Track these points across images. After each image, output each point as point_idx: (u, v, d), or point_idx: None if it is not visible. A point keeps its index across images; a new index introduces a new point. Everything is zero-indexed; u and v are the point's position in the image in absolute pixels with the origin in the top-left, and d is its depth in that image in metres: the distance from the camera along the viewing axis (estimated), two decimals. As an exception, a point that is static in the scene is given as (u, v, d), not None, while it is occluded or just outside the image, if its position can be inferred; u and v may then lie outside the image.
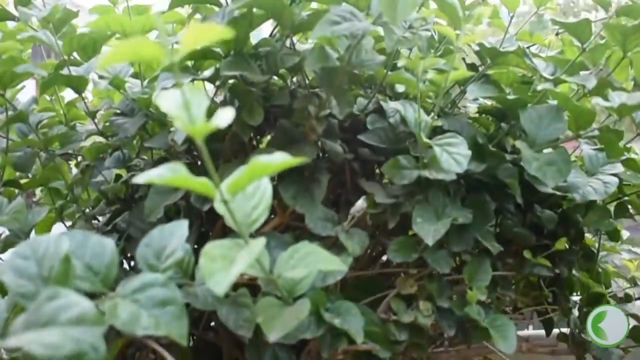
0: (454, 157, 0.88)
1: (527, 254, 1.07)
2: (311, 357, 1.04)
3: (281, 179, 0.98)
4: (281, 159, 0.58)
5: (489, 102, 1.24)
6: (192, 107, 0.54)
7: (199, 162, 1.09)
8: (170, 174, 0.58)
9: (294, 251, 0.74)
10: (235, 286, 0.88)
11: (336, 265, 0.72)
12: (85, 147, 1.22)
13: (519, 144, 0.96)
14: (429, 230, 0.90)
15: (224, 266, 0.61)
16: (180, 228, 0.77)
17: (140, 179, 0.59)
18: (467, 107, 1.24)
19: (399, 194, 0.98)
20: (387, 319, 0.96)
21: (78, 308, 0.52)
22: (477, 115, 1.23)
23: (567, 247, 1.21)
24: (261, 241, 0.64)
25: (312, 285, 0.82)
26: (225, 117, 0.49)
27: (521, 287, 1.36)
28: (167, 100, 0.55)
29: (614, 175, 1.07)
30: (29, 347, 0.49)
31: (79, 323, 0.51)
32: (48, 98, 1.34)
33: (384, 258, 1.18)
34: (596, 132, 1.00)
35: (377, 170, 1.14)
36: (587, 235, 1.35)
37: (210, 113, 0.54)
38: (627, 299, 1.36)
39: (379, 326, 0.93)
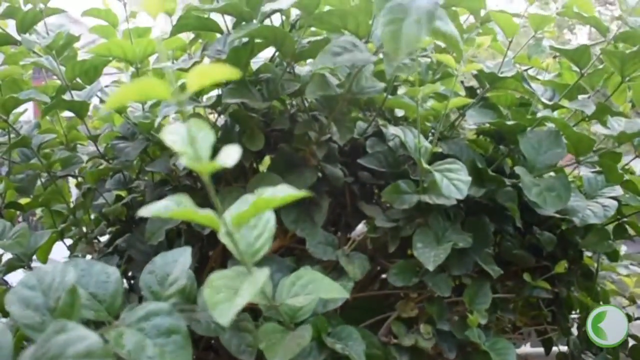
0: (454, 183, 0.88)
1: (526, 276, 1.08)
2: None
3: (281, 203, 0.98)
4: (285, 193, 0.59)
5: (487, 124, 1.25)
6: (197, 143, 0.55)
7: (199, 185, 1.10)
8: (176, 207, 0.59)
9: (296, 278, 0.75)
10: (237, 311, 0.89)
11: (338, 293, 0.73)
12: (86, 169, 1.23)
13: (518, 169, 0.97)
14: (429, 255, 0.91)
15: (228, 297, 0.62)
16: (183, 255, 0.78)
17: (145, 211, 0.60)
18: (465, 129, 1.25)
19: (399, 217, 0.99)
20: (387, 342, 0.97)
21: (86, 342, 0.52)
22: (475, 136, 1.24)
23: (566, 267, 1.22)
24: (265, 272, 0.65)
25: (314, 310, 0.83)
26: (230, 156, 0.50)
27: (520, 307, 1.36)
28: (173, 136, 0.55)
29: (613, 198, 1.08)
30: (37, 381, 0.49)
31: (86, 357, 0.51)
32: (49, 118, 1.35)
33: (383, 275, 1.18)
34: (595, 158, 1.01)
35: (377, 190, 1.15)
36: (586, 254, 1.36)
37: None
38: (627, 319, 1.36)
39: (380, 349, 0.94)
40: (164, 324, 0.66)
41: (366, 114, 1.17)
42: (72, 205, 1.21)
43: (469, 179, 0.89)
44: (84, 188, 1.16)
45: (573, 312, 1.39)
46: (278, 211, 0.98)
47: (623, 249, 1.55)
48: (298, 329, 0.79)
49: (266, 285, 0.75)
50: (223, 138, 1.03)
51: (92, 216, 1.28)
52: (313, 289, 0.73)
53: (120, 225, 1.20)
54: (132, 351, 0.63)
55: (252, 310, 0.88)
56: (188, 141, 0.55)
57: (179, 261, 0.78)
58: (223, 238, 0.66)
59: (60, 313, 0.62)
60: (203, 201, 0.65)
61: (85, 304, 0.69)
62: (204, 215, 0.59)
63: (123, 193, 1.24)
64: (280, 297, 0.74)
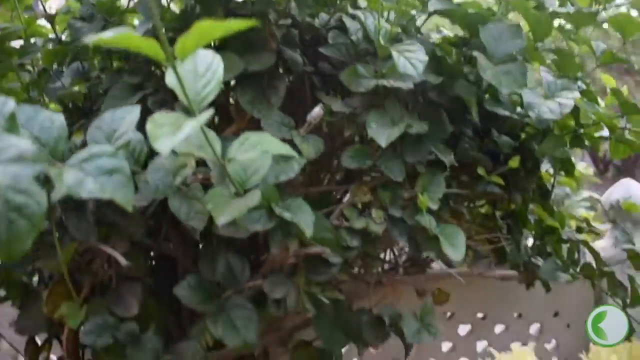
0: (411, 61, 0.88)
1: (480, 170, 1.08)
2: (265, 269, 1.04)
3: (239, 84, 0.98)
4: (228, 22, 0.58)
5: (452, 34, 1.25)
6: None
7: (158, 72, 1.09)
8: (119, 33, 0.58)
9: (245, 139, 0.75)
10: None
11: (286, 151, 0.73)
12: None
13: (476, 53, 0.97)
14: (383, 133, 0.91)
15: (171, 131, 0.61)
16: (132, 112, 0.77)
17: (88, 38, 0.58)
18: (432, 38, 1.24)
19: (357, 105, 0.99)
20: (339, 226, 0.97)
21: (17, 148, 0.52)
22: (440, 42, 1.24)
23: (523, 176, 1.23)
24: (209, 112, 0.64)
25: (265, 180, 0.82)
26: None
27: (476, 218, 1.38)
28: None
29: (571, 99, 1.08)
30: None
31: (18, 161, 0.51)
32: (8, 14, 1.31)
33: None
34: (552, 46, 1.01)
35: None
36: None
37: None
38: (579, 230, 1.39)
39: (331, 232, 0.94)
40: (106, 164, 0.65)
41: (330, 10, 1.15)
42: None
43: (426, 58, 0.89)
44: (39, 68, 1.14)
45: (530, 233, 1.41)
46: (235, 92, 0.99)
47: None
48: (247, 194, 0.79)
49: (216, 143, 0.75)
50: (183, 19, 1.02)
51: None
52: (262, 147, 0.73)
53: (78, 115, 1.18)
54: (71, 186, 0.62)
55: (203, 186, 0.88)
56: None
57: (126, 118, 0.77)
58: (169, 79, 0.66)
59: (-2, 138, 0.61)
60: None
61: (28, 146, 0.68)
62: (146, 43, 0.58)
63: (82, 88, 1.21)
64: (229, 153, 0.74)
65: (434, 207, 0.97)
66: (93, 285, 1.06)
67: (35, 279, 1.14)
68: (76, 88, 1.20)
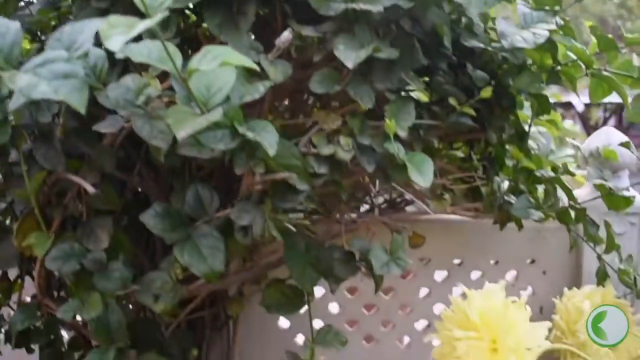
0: (378, -20, 0.87)
1: (452, 100, 1.07)
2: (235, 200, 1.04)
3: (208, 8, 0.96)
4: None
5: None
6: None
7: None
8: None
9: (207, 51, 0.73)
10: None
11: (248, 64, 0.71)
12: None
13: (447, -26, 0.96)
14: (350, 54, 0.89)
15: (124, 31, 0.60)
16: (91, 24, 0.75)
17: None
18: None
19: (327, 30, 0.97)
20: (307, 153, 0.96)
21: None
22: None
23: (498, 114, 1.23)
24: (164, 13, 0.63)
25: (229, 100, 0.81)
26: None
27: (455, 163, 1.38)
28: None
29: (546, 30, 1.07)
30: None
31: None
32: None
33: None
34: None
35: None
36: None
37: None
38: (554, 170, 1.38)
39: (298, 158, 0.93)
40: (61, 69, 0.64)
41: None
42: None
43: (394, -23, 0.88)
44: (7, -7, 1.12)
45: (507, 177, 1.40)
46: (203, 15, 0.97)
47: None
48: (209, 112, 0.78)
49: (177, 57, 0.73)
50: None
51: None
52: (225, 59, 0.71)
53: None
54: (24, 88, 0.61)
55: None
56: None
57: (86, 30, 0.75)
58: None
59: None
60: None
61: (-19, 51, 0.67)
62: None
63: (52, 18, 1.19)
64: (190, 66, 0.72)
65: (403, 134, 0.96)
66: (64, 220, 1.05)
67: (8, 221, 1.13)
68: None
